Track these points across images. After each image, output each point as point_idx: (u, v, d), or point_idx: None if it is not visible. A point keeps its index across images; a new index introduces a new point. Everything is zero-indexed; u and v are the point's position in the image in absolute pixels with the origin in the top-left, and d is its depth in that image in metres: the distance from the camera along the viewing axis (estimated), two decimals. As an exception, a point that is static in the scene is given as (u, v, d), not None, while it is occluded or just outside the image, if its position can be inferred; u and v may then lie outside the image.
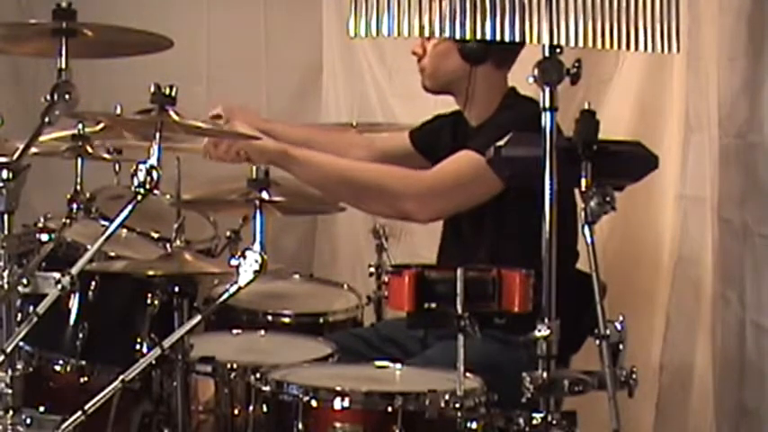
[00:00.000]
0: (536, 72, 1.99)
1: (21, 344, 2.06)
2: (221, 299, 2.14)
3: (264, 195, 2.54)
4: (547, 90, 2.00)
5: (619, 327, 1.97)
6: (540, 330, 1.98)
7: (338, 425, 2.24)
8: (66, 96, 2.06)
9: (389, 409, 2.22)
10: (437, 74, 2.93)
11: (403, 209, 2.74)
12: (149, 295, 2.78)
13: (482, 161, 2.49)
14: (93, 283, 2.77)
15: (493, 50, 2.80)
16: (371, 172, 2.80)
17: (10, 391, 2.02)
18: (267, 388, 2.37)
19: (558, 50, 1.98)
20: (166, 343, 2.15)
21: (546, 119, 2.01)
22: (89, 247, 2.14)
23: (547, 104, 2.00)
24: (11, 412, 2.02)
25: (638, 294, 3.30)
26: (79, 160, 3.31)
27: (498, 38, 1.94)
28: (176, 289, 2.50)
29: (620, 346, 1.97)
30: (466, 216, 2.86)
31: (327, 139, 3.22)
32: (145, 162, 2.08)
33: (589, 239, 1.98)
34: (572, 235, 2.54)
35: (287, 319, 3.15)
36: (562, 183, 2.02)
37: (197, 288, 2.58)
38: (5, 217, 2.00)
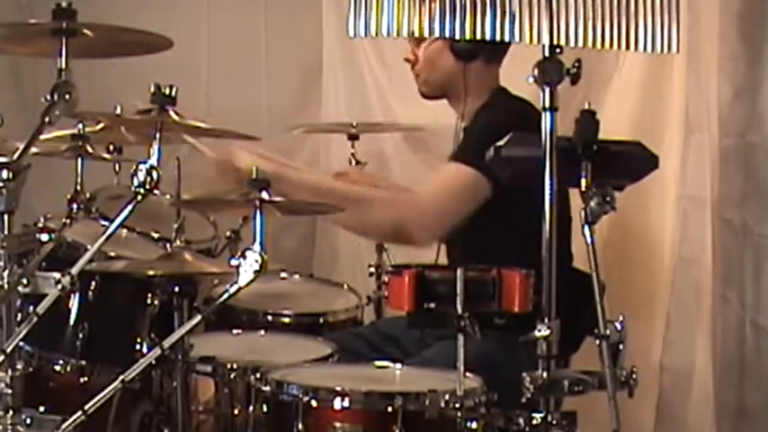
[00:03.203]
0: (536, 72, 1.98)
1: (21, 344, 2.05)
2: (221, 299, 2.14)
3: (264, 195, 2.53)
4: (547, 90, 2.00)
5: (619, 327, 1.97)
6: (540, 330, 1.98)
7: (338, 425, 2.24)
8: (66, 96, 2.06)
9: (389, 409, 2.22)
10: (432, 76, 2.94)
11: (405, 233, 2.71)
12: (149, 295, 2.77)
13: (468, 171, 2.59)
14: (93, 283, 2.77)
15: (483, 46, 2.80)
16: (369, 201, 2.77)
17: (10, 391, 2.02)
18: (267, 388, 2.37)
19: (558, 50, 1.98)
20: (166, 343, 2.16)
21: (546, 119, 2.00)
22: (89, 247, 2.14)
23: (547, 104, 2.00)
24: (11, 412, 2.02)
25: (638, 294, 3.30)
26: (79, 160, 3.31)
27: (498, 38, 1.94)
28: (176, 289, 2.50)
29: (620, 346, 1.97)
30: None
31: None
32: (145, 162, 2.08)
33: (589, 239, 1.98)
34: (566, 236, 2.55)
35: (287, 319, 3.15)
36: (562, 183, 2.02)
37: (197, 288, 2.58)
38: (5, 217, 2.00)
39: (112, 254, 2.83)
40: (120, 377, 2.07)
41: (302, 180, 2.76)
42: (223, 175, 2.80)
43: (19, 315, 2.05)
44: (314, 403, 2.27)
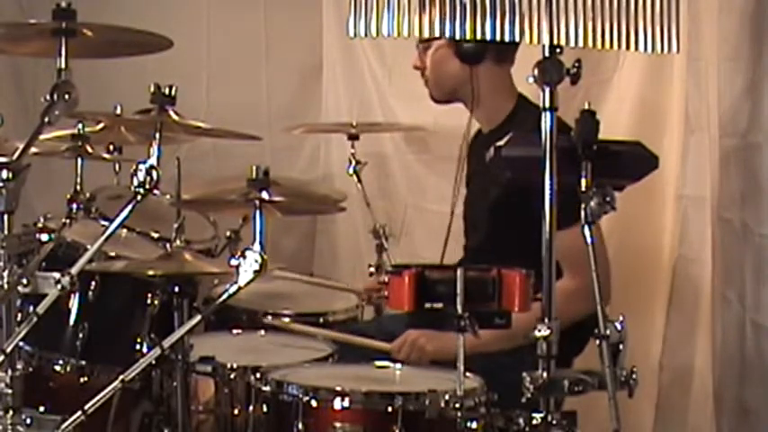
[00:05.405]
0: (536, 72, 1.98)
1: (21, 344, 2.06)
2: (221, 299, 2.14)
3: (264, 195, 2.53)
4: (547, 90, 2.00)
5: (619, 327, 1.97)
6: (540, 330, 1.98)
7: (338, 425, 2.24)
8: (66, 96, 2.06)
9: (389, 409, 2.23)
10: (440, 81, 2.92)
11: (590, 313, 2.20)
12: (149, 295, 2.78)
13: (576, 229, 2.11)
14: (93, 283, 2.78)
15: (489, 47, 2.79)
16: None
17: (10, 391, 2.02)
18: (267, 388, 2.37)
19: (558, 50, 1.98)
20: (166, 343, 2.15)
21: (546, 119, 2.00)
22: (89, 247, 2.14)
23: (547, 104, 2.00)
24: (11, 412, 2.02)
25: (638, 294, 3.30)
26: (79, 160, 3.31)
27: (498, 38, 1.94)
28: (176, 289, 2.50)
29: (620, 346, 1.97)
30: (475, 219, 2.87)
31: None
32: (145, 162, 2.08)
33: (589, 239, 1.98)
34: None
35: (287, 320, 3.15)
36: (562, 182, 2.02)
37: (197, 288, 2.58)
38: (5, 217, 2.00)
39: (112, 254, 2.83)
40: (120, 377, 2.07)
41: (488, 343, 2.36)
42: (407, 356, 2.70)
43: (19, 315, 2.05)
44: (314, 403, 2.28)
